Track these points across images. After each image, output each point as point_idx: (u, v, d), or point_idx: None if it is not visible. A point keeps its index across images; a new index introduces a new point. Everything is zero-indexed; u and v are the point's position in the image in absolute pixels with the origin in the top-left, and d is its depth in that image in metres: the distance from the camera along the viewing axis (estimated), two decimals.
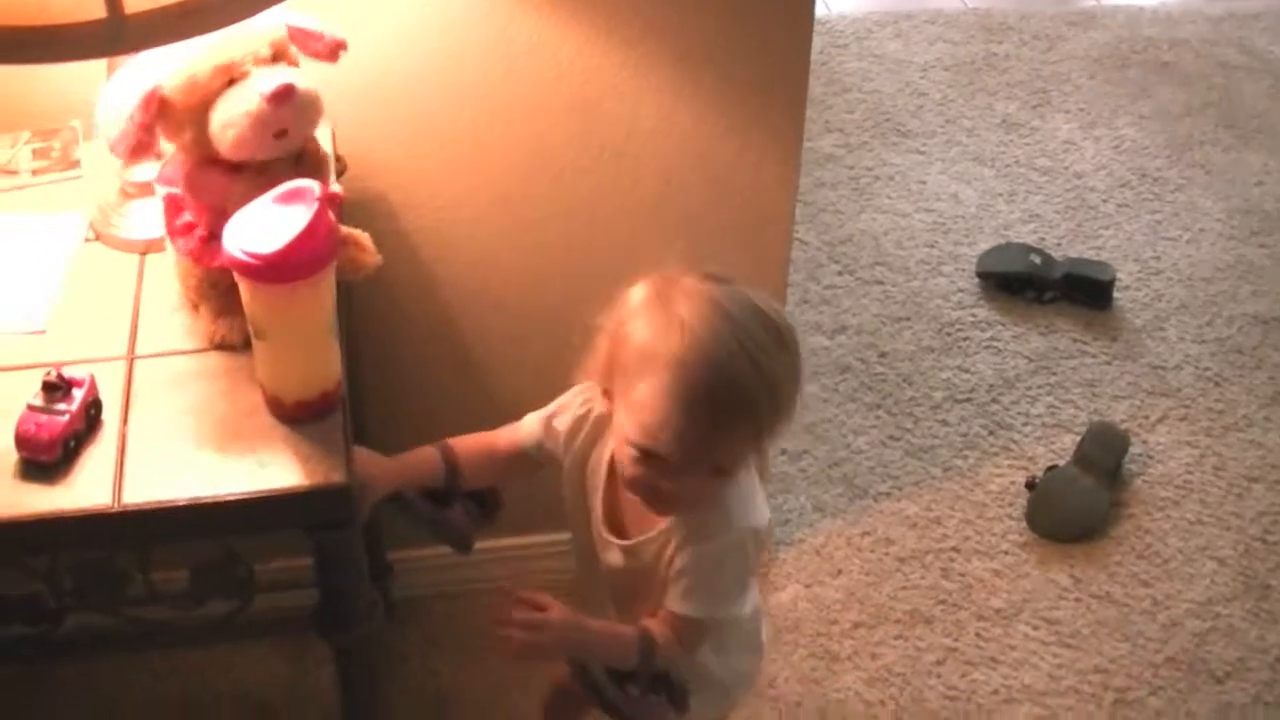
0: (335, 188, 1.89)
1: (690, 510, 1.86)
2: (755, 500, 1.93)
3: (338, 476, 1.73)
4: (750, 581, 2.01)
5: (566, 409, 2.01)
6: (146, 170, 2.08)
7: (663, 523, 1.89)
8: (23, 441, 1.73)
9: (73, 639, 1.94)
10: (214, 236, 1.81)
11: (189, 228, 1.90)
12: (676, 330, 1.74)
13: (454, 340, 2.55)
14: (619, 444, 1.84)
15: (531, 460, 2.05)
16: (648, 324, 1.78)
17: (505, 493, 2.14)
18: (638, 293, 1.82)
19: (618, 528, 1.96)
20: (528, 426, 2.05)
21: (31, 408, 1.75)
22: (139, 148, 1.86)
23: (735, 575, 1.93)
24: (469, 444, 2.07)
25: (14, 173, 2.22)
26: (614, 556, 1.97)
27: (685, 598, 1.88)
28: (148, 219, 2.08)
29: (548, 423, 2.03)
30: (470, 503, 2.08)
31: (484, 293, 2.51)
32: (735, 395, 1.73)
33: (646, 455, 1.77)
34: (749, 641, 2.14)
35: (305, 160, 1.86)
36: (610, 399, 1.86)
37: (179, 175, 1.88)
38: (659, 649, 1.90)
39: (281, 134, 1.78)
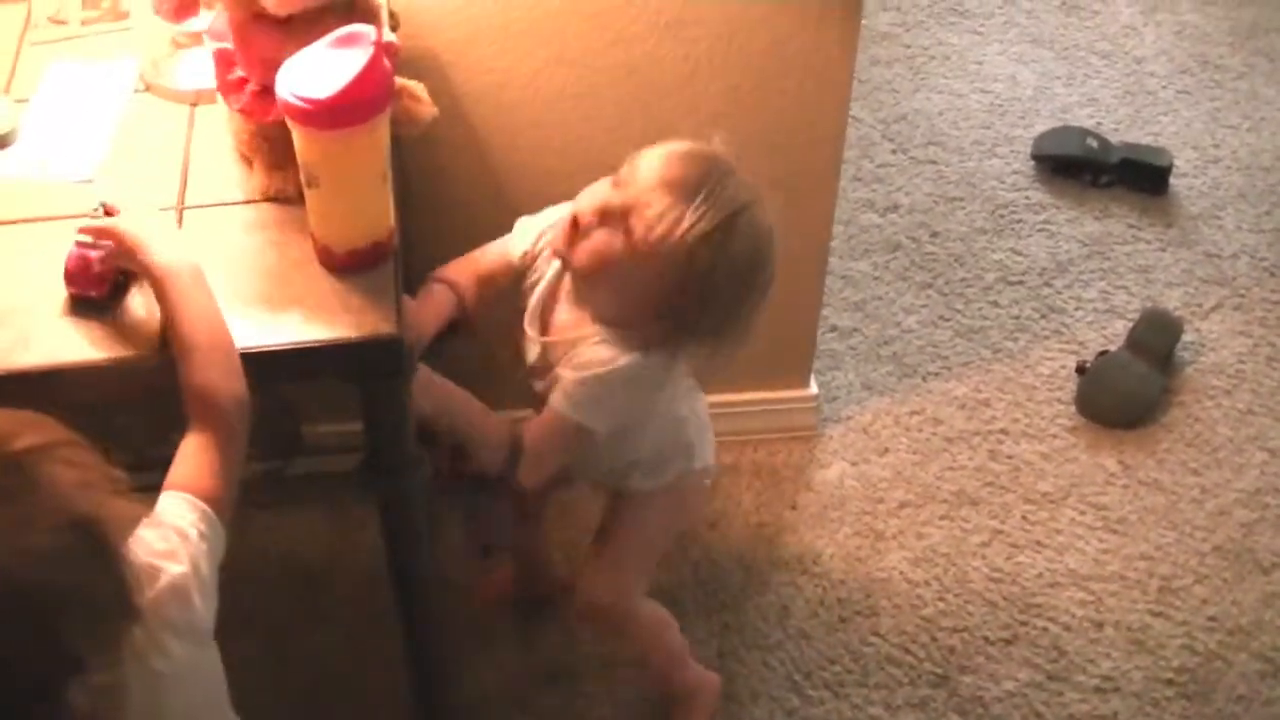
0: (390, 37, 1.85)
1: (599, 275, 1.94)
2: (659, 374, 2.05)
3: (388, 327, 1.71)
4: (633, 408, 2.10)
5: (557, 225, 2.05)
6: (198, 20, 2.05)
7: (577, 332, 2.03)
8: (71, 276, 1.72)
9: None
10: (266, 91, 1.79)
11: (241, 83, 1.87)
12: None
13: (504, 204, 2.51)
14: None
15: (515, 268, 2.13)
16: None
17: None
18: None
19: (544, 327, 2.09)
20: (517, 235, 2.15)
21: (80, 245, 1.73)
22: (183, 7, 1.84)
23: (617, 396, 2.02)
24: (461, 271, 2.15)
25: (63, 23, 2.21)
26: (533, 352, 2.10)
27: (562, 396, 2.00)
28: (199, 69, 2.06)
29: (539, 236, 2.11)
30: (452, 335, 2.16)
31: (536, 158, 2.47)
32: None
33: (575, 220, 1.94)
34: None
35: (356, 11, 1.82)
36: None
37: (229, 30, 1.85)
38: (523, 447, 2.00)
39: None
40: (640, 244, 1.88)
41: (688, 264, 1.87)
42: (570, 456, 2.12)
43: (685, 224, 1.86)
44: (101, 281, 1.72)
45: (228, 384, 1.64)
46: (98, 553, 1.37)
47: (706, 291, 1.91)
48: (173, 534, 1.55)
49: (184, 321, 1.65)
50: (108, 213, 1.75)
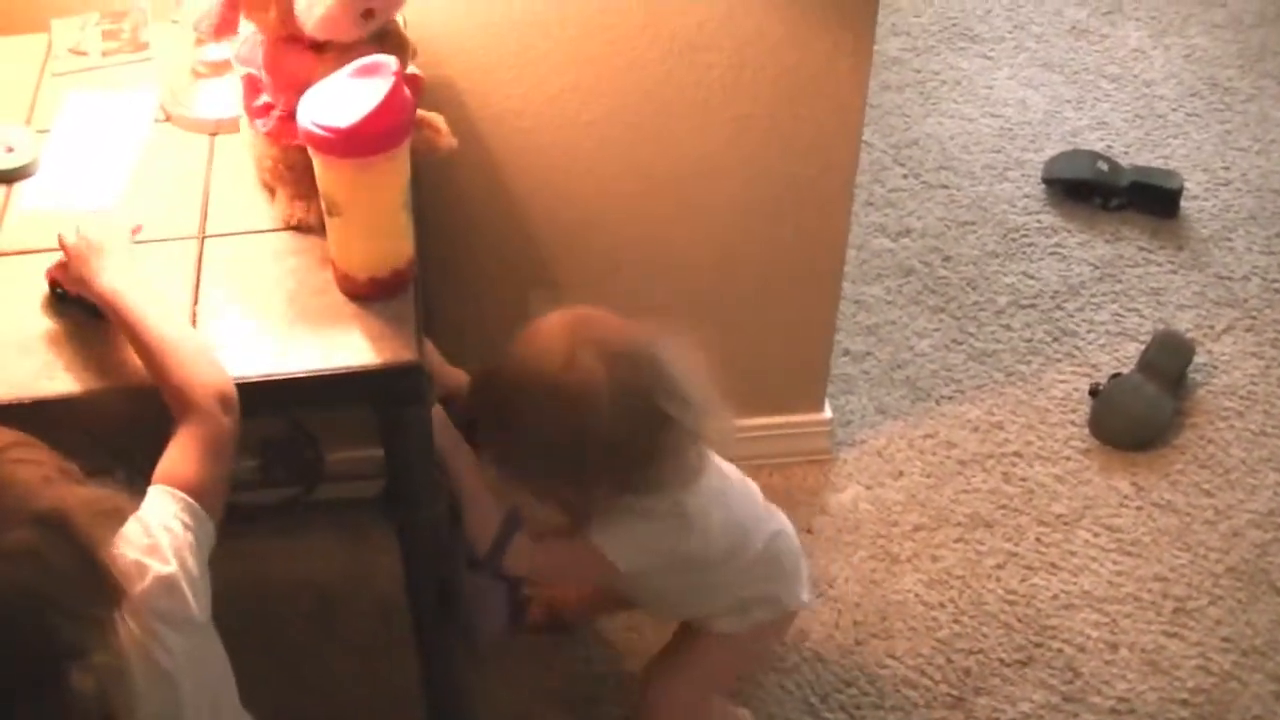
0: (414, 70, 1.87)
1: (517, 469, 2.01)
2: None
3: (408, 354, 1.73)
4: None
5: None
6: (218, 50, 2.07)
7: None
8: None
9: None
10: (293, 116, 1.80)
11: (267, 108, 1.89)
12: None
13: (520, 230, 2.53)
14: None
15: None
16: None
17: None
18: None
19: None
20: None
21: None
22: (224, 25, 1.86)
23: (638, 537, 2.04)
24: None
25: (84, 54, 2.23)
26: None
27: (591, 529, 2.03)
28: (218, 99, 2.08)
29: None
30: None
31: (551, 183, 2.49)
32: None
33: None
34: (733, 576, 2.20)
35: (387, 41, 1.84)
36: None
37: (256, 55, 1.87)
38: (516, 544, 2.02)
39: (368, 14, 1.76)
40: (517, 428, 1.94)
41: (543, 414, 1.91)
42: (576, 578, 2.15)
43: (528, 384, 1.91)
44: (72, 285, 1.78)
45: (203, 377, 1.66)
46: (68, 541, 1.39)
47: (607, 427, 1.90)
48: (156, 528, 1.56)
49: (142, 329, 1.67)
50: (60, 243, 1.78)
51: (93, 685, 1.38)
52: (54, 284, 1.79)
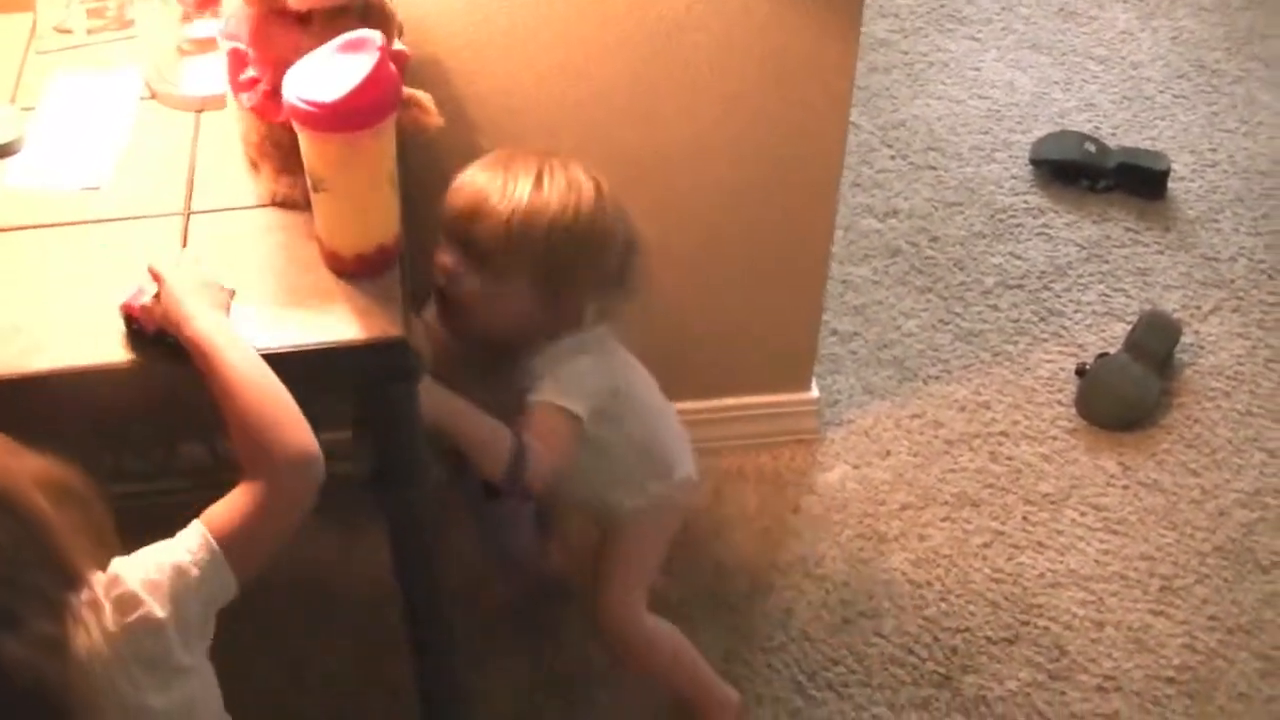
0: (399, 46, 1.87)
1: (483, 305, 2.07)
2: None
3: (395, 330, 1.72)
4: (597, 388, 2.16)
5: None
6: (203, 27, 2.07)
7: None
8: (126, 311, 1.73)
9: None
10: (278, 91, 1.79)
11: (253, 82, 1.88)
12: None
13: None
14: None
15: None
16: None
17: None
18: None
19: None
20: None
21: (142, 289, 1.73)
22: None
23: (580, 367, 2.13)
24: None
25: (69, 32, 2.22)
26: None
27: (541, 389, 2.09)
28: (204, 77, 2.07)
29: None
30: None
31: None
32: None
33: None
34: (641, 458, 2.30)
35: (371, 15, 1.84)
36: None
37: (244, 28, 1.86)
38: (530, 455, 2.03)
39: None
40: (487, 252, 2.02)
41: (529, 237, 2.00)
42: (570, 451, 2.13)
43: (506, 210, 2.01)
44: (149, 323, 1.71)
45: (290, 440, 1.60)
46: (6, 511, 1.39)
47: (557, 254, 2.03)
48: (166, 565, 1.54)
49: (234, 382, 1.61)
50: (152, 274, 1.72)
51: (24, 655, 1.36)
52: (130, 320, 1.73)
